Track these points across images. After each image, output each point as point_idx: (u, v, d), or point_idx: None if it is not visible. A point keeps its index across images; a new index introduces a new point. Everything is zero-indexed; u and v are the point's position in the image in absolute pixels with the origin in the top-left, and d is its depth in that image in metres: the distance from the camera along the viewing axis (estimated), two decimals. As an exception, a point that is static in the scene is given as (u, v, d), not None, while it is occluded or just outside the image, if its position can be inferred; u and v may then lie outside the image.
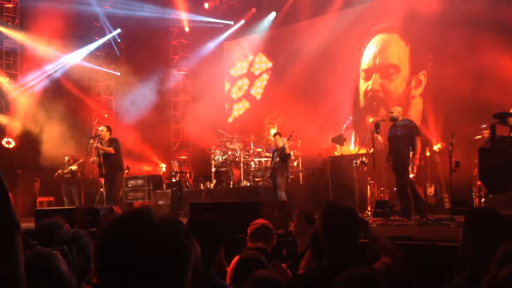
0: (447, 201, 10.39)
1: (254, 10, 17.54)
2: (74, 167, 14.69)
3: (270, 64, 17.62)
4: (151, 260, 1.24)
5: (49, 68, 16.50)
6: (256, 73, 18.09)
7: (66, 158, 14.94)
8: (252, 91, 18.08)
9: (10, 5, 16.22)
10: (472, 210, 2.70)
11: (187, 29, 18.89)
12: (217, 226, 3.10)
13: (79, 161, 14.16)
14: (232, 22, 18.25)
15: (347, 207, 2.95)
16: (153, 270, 1.24)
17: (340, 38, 14.64)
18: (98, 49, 18.20)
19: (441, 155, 10.97)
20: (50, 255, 2.17)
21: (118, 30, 18.16)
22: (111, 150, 10.51)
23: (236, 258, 4.01)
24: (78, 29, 16.38)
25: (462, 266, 2.59)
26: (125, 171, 13.88)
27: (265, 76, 17.74)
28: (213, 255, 2.91)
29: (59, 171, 14.89)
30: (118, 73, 17.97)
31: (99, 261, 1.29)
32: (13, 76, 16.14)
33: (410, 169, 8.92)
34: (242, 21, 18.04)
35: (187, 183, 15.25)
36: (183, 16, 18.34)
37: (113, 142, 10.72)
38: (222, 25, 18.42)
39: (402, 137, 9.20)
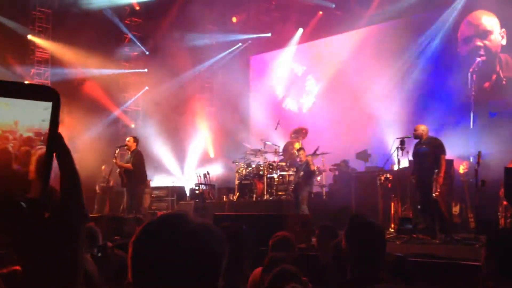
0: (472, 220, 10.25)
1: (281, 24, 17.66)
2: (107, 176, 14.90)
3: (298, 79, 17.67)
4: (186, 263, 1.26)
5: (79, 77, 16.79)
6: (284, 87, 18.16)
7: (103, 167, 15.16)
8: (280, 105, 18.15)
9: (42, 16, 16.61)
10: (494, 231, 2.68)
11: (213, 42, 19.09)
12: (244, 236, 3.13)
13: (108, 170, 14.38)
14: (260, 35, 18.40)
15: (373, 222, 2.96)
16: (188, 273, 1.26)
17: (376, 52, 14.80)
18: (126, 60, 18.49)
19: (465, 175, 10.86)
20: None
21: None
22: (129, 166, 10.71)
23: (258, 269, 4.04)
24: (108, 40, 16.67)
25: (485, 286, 2.58)
26: (148, 181, 14.03)
27: (293, 91, 17.79)
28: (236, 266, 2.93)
29: (102, 180, 15.09)
30: (147, 87, 18.24)
31: (134, 260, 1.30)
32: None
33: (434, 187, 8.84)
34: (269, 34, 18.18)
35: (210, 195, 15.30)
36: (210, 30, 18.55)
37: (135, 155, 10.89)
38: (250, 41, 18.60)
39: (427, 155, 9.13)
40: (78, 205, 1.14)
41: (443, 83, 14.23)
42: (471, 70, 14.10)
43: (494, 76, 14.02)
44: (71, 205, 1.11)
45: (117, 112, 18.14)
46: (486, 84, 14.04)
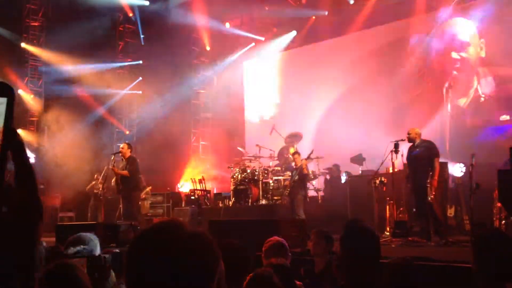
0: (468, 222, 10.28)
1: (275, 30, 17.72)
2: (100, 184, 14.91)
3: (290, 83, 17.71)
4: (179, 271, 1.27)
5: (72, 85, 16.77)
6: (277, 91, 18.19)
7: (96, 175, 15.17)
8: (273, 110, 18.17)
9: (35, 24, 16.61)
10: (479, 233, 2.70)
11: (208, 48, 19.11)
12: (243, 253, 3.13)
13: (101, 177, 14.38)
14: (253, 44, 18.45)
15: (368, 229, 2.98)
16: (181, 281, 1.27)
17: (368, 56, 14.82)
18: (121, 67, 18.48)
19: (460, 177, 10.91)
20: (72, 267, 2.26)
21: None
22: (126, 173, 10.72)
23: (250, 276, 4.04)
24: (102, 48, 16.65)
25: (475, 286, 2.59)
26: (147, 189, 14.04)
27: (286, 95, 17.82)
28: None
29: (93, 182, 15.12)
30: (140, 91, 18.24)
31: (128, 269, 1.32)
32: (37, 93, 16.47)
33: (428, 190, 8.86)
34: (263, 39, 18.23)
35: (206, 201, 15.29)
36: (205, 35, 18.57)
37: (130, 162, 10.90)
38: (243, 45, 18.64)
39: (421, 158, 9.16)
40: (33, 200, 1.16)
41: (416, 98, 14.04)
42: (446, 85, 13.48)
43: (471, 92, 13.27)
44: (27, 199, 1.13)
45: (111, 120, 18.13)
46: (463, 101, 13.36)
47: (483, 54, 13.04)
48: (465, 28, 13.46)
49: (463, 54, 13.44)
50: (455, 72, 13.46)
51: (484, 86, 12.97)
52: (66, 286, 2.18)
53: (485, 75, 13.05)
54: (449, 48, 13.76)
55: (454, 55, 13.59)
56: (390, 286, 3.11)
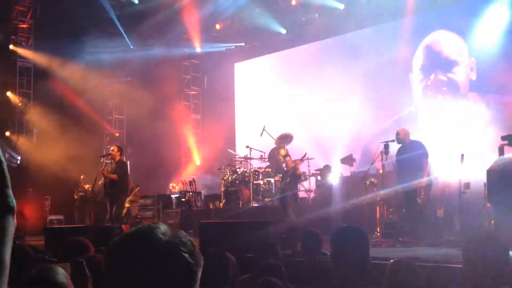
0: (457, 223, 10.31)
1: (265, 32, 17.70)
2: (88, 186, 14.83)
3: (280, 85, 17.72)
4: (158, 275, 1.26)
5: (62, 87, 16.67)
6: (267, 94, 18.20)
7: (82, 176, 15.10)
8: (263, 111, 18.17)
9: (24, 25, 16.52)
10: (469, 233, 2.72)
11: (198, 49, 19.08)
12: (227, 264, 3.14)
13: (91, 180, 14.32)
14: (243, 44, 18.46)
15: (358, 230, 2.99)
16: (160, 285, 1.26)
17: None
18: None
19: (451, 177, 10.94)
20: (54, 270, 2.25)
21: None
22: (114, 177, 10.70)
23: (245, 277, 4.03)
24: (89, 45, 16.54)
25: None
26: (135, 190, 14.00)
27: (275, 97, 17.83)
28: None
29: (82, 184, 15.06)
30: (131, 94, 18.17)
31: (107, 276, 1.31)
32: (26, 95, 16.38)
33: (418, 191, 8.90)
34: (255, 43, 18.24)
35: (197, 203, 15.27)
36: (195, 37, 18.52)
37: (120, 165, 10.89)
38: (233, 47, 18.64)
39: (410, 159, 9.19)
40: (2, 196, 1.14)
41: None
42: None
43: (459, 122, 11.90)
44: None
45: (99, 121, 18.04)
46: (448, 132, 12.03)
47: (473, 77, 11.70)
48: (452, 44, 12.07)
49: (451, 75, 12.01)
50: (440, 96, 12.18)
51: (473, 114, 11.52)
52: None
53: (475, 102, 11.57)
54: (435, 67, 12.52)
55: (441, 76, 12.17)
56: (390, 285, 3.12)
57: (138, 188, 14.60)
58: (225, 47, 18.66)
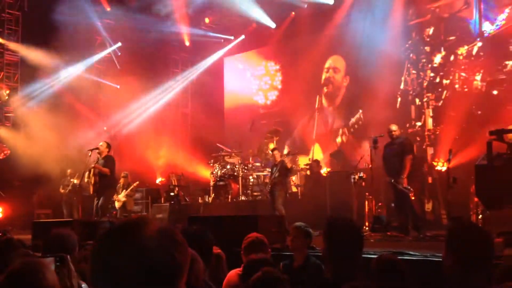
0: (445, 217, 10.38)
1: (254, 25, 17.66)
2: (75, 180, 14.71)
3: (268, 79, 17.71)
4: (141, 271, 1.25)
5: (49, 80, 16.53)
6: (256, 87, 18.18)
7: (69, 170, 14.99)
8: (252, 106, 18.16)
9: (11, 18, 16.33)
10: (453, 226, 2.70)
11: (187, 43, 18.98)
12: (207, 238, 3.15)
13: (78, 174, 14.19)
14: (232, 37, 18.42)
15: (351, 222, 3.00)
16: (143, 281, 1.25)
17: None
18: (98, 62, 18.25)
19: (439, 172, 11.01)
20: (39, 264, 2.21)
21: (119, 44, 18.20)
22: (106, 171, 10.83)
23: (234, 271, 4.02)
24: (79, 42, 16.40)
25: (447, 280, 2.59)
26: (133, 185, 13.96)
27: (266, 91, 17.81)
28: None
29: (68, 178, 14.96)
30: (118, 86, 18.03)
31: (92, 269, 1.30)
32: (13, 88, 16.21)
33: (404, 184, 8.98)
34: (243, 36, 18.19)
35: (185, 197, 15.24)
36: (184, 30, 18.42)
37: (108, 160, 10.96)
38: (222, 40, 18.57)
39: (397, 155, 9.25)
40: None
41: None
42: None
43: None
44: None
45: (89, 116, 17.90)
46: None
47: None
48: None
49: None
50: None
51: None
52: (32, 285, 2.13)
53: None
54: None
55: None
56: (376, 278, 3.13)
57: (137, 183, 14.46)
58: (215, 40, 18.58)
